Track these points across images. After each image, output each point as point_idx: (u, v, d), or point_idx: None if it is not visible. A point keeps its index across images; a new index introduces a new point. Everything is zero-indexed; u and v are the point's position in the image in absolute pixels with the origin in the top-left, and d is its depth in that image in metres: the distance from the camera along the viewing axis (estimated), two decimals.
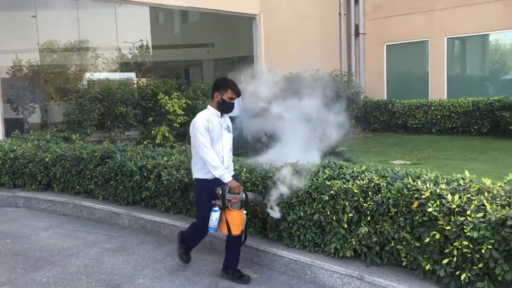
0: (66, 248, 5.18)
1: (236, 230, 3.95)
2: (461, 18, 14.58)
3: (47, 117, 10.81)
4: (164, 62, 18.32)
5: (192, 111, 11.08)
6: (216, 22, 17.76)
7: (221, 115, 4.12)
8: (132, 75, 11.85)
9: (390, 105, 14.59)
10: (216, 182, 3.95)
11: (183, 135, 11.40)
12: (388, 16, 16.01)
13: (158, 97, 10.30)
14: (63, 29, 11.90)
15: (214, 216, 3.91)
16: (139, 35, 13.40)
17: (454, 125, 13.21)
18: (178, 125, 10.72)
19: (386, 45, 16.35)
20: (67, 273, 4.45)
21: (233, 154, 7.87)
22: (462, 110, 12.98)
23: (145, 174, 5.72)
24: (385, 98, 15.79)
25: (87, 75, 11.09)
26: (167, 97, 10.31)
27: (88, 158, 6.48)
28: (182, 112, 10.62)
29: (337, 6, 16.15)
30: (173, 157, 5.76)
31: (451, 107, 13.22)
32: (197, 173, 4.12)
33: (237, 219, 3.93)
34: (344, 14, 16.21)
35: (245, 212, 4.01)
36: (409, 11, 15.51)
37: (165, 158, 5.72)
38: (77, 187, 6.74)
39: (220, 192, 3.90)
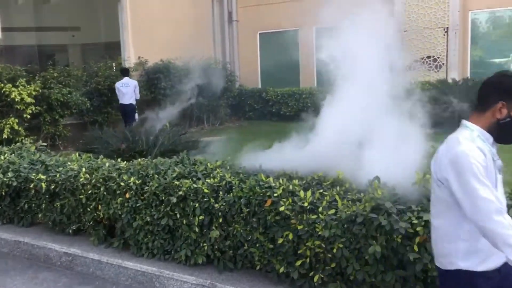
0: None
1: None
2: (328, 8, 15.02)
3: None
4: (19, 47, 16.40)
5: (46, 101, 9.85)
6: (82, 4, 16.29)
7: (493, 142, 2.05)
8: None
9: (264, 93, 14.59)
10: (508, 274, 2.00)
11: (37, 128, 10.11)
12: (260, 4, 15.94)
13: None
14: None
15: None
16: None
17: None
18: (29, 116, 9.44)
19: (259, 34, 16.32)
20: None
21: (88, 151, 6.87)
22: None
23: None
24: (259, 87, 15.78)
25: None
26: (10, 85, 8.97)
27: None
28: (33, 101, 9.34)
29: None
30: (1, 157, 4.85)
31: (320, 95, 13.56)
32: (464, 260, 1.99)
33: None
34: (217, 0, 15.81)
35: None
36: (280, 0, 15.60)
37: None
38: None
39: None
